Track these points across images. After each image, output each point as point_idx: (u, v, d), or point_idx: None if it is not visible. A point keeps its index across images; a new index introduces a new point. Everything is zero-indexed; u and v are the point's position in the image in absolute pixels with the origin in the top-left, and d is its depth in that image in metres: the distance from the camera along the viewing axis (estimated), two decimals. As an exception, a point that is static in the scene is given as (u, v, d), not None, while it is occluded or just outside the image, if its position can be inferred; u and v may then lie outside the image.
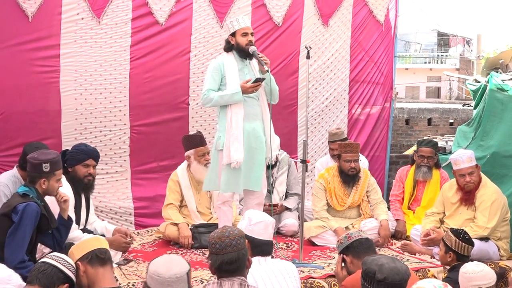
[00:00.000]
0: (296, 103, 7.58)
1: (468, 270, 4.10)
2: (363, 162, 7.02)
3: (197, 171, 6.14)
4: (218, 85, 5.36)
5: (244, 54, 5.37)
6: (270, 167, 6.42)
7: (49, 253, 4.70)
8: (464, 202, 5.73)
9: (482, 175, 5.76)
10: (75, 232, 4.95)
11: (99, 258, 3.39)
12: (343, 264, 3.97)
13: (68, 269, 3.29)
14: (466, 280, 4.09)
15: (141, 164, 6.95)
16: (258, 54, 5.30)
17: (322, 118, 7.85)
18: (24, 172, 5.38)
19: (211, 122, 7.14)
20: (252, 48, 5.31)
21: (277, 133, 5.59)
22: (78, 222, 5.15)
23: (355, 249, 3.88)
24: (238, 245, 3.30)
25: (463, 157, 5.69)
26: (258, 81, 5.24)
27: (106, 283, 3.39)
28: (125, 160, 6.86)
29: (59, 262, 3.29)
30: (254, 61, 5.42)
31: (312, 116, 7.70)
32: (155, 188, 6.87)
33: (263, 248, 3.82)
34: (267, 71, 5.27)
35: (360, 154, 6.67)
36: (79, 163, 5.18)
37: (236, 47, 5.39)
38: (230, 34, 5.41)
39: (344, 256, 3.93)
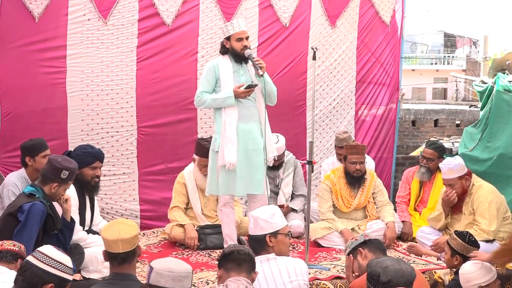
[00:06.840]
0: (304, 104, 7.54)
1: (466, 270, 4.13)
2: (369, 163, 6.99)
3: (197, 177, 6.09)
4: (212, 87, 5.35)
5: (240, 58, 5.32)
6: (275, 168, 6.44)
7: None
8: (452, 209, 5.76)
9: (476, 177, 5.74)
10: (79, 234, 4.96)
11: None
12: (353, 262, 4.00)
13: (52, 266, 3.09)
14: (465, 280, 4.11)
15: (149, 165, 6.90)
16: (254, 58, 5.25)
17: (330, 120, 7.81)
18: (26, 168, 5.40)
19: (221, 124, 7.11)
20: (247, 52, 5.26)
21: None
22: (83, 223, 5.15)
23: (373, 244, 3.90)
24: (250, 251, 3.51)
25: (443, 168, 5.69)
26: (251, 87, 5.22)
27: None
28: (132, 162, 6.83)
29: (42, 261, 3.09)
30: (250, 63, 5.36)
31: (320, 118, 7.67)
32: (163, 190, 6.80)
33: (253, 244, 3.83)
34: (262, 75, 5.22)
35: (366, 155, 6.65)
36: (86, 166, 5.16)
37: (232, 52, 5.34)
38: (225, 38, 5.36)
39: (360, 249, 3.90)
